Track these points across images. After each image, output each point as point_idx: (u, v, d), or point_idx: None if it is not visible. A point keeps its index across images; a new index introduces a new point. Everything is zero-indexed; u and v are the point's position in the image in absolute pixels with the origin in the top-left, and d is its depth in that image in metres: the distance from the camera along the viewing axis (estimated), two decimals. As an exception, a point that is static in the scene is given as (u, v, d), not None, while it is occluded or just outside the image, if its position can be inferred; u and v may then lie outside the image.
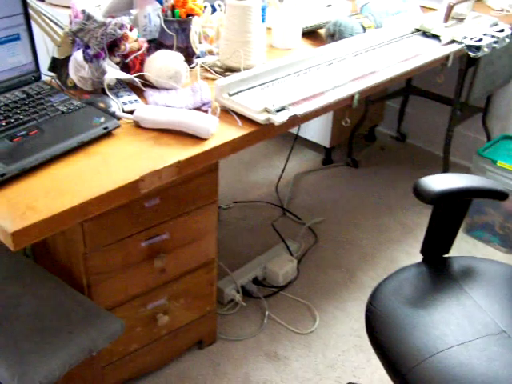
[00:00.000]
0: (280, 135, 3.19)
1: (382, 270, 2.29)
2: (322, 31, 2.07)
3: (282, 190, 2.75)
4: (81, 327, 1.35)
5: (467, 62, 2.40)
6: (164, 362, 1.84)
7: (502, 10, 2.44)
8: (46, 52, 1.61)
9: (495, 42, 2.06)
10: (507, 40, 2.12)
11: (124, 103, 1.50)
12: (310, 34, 2.08)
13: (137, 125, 1.44)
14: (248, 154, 3.04)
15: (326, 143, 2.92)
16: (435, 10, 2.34)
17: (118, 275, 1.53)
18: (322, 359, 1.93)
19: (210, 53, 1.83)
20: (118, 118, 1.43)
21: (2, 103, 1.43)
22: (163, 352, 1.80)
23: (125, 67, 1.59)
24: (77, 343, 1.31)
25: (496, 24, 2.20)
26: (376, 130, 3.25)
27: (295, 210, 2.62)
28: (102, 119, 1.38)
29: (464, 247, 2.46)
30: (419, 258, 1.57)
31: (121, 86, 1.58)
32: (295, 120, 1.51)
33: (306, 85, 1.64)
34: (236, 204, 2.65)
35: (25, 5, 1.49)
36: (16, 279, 1.49)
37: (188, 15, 1.71)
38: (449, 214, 1.52)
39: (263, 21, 1.99)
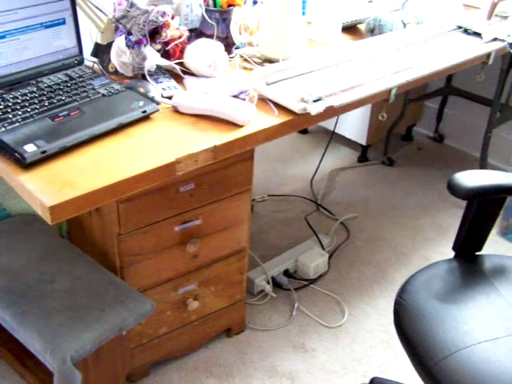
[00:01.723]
0: (317, 131, 3.19)
1: (414, 268, 2.28)
2: (362, 26, 2.07)
3: (316, 186, 2.76)
4: (112, 306, 1.38)
5: (510, 61, 2.37)
6: (192, 347, 1.86)
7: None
8: (90, 37, 1.64)
9: (539, 41, 2.03)
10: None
11: (163, 89, 1.53)
12: (350, 29, 2.08)
13: (175, 110, 1.46)
14: (284, 149, 3.05)
15: (363, 141, 2.91)
16: (479, 8, 2.31)
17: (150, 258, 1.56)
18: (349, 353, 1.93)
19: (250, 44, 1.85)
20: (157, 103, 1.45)
21: (46, 85, 1.47)
22: (192, 337, 1.82)
23: (165, 54, 1.62)
24: (108, 321, 1.35)
25: (541, 23, 2.16)
26: (413, 130, 3.23)
27: (329, 206, 2.62)
28: (141, 103, 1.41)
29: (499, 250, 2.43)
30: (452, 256, 1.56)
31: (161, 72, 1.61)
32: (331, 111, 1.52)
33: (344, 77, 1.64)
34: (270, 197, 2.67)
35: (71, -10, 1.53)
36: (52, 258, 1.53)
37: (229, 5, 1.73)
38: (482, 210, 1.50)
39: (303, 14, 2.00)
